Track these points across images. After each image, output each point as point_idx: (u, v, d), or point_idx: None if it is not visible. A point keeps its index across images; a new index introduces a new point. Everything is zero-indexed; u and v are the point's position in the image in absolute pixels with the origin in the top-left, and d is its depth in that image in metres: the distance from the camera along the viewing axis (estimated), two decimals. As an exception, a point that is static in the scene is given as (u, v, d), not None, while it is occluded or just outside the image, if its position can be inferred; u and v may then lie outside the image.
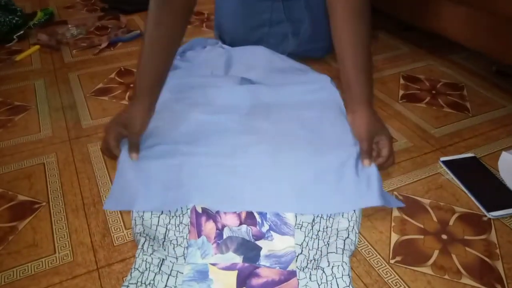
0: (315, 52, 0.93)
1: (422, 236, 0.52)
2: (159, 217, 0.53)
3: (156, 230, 0.51)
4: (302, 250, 0.49)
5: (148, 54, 0.56)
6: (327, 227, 0.52)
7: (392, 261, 0.49)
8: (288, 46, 0.89)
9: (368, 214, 0.55)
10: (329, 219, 0.53)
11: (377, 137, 0.56)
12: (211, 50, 0.89)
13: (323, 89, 0.74)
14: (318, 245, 0.50)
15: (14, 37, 1.08)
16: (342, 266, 0.46)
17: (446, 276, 0.47)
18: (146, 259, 0.46)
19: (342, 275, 0.45)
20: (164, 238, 0.50)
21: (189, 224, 0.52)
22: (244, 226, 0.52)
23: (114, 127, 0.57)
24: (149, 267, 0.46)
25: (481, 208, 0.56)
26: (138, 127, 0.56)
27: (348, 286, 0.44)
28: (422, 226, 0.54)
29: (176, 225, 0.52)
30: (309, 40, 0.90)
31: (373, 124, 0.56)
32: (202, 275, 0.46)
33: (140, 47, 1.05)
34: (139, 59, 0.57)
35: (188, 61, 0.88)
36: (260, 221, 0.53)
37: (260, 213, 0.54)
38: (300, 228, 0.52)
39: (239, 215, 0.54)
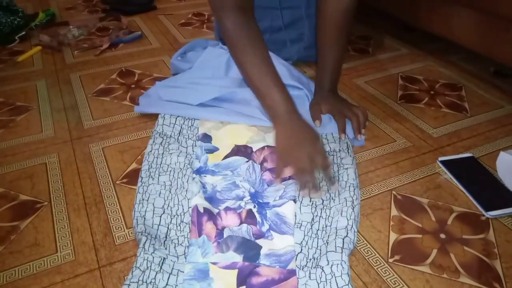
0: (316, 57, 0.94)
1: (420, 235, 0.53)
2: (160, 216, 0.53)
3: (157, 229, 0.51)
4: (301, 249, 0.50)
5: (264, 73, 0.60)
6: (326, 226, 0.52)
7: (390, 260, 0.50)
8: (288, 53, 0.90)
9: (367, 213, 0.56)
10: (328, 218, 0.53)
11: (345, 110, 0.68)
12: (211, 51, 0.90)
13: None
14: (317, 244, 0.50)
15: (16, 38, 1.08)
16: (341, 265, 0.46)
17: (444, 275, 0.48)
18: (147, 258, 0.47)
19: (341, 273, 0.45)
20: (166, 237, 0.51)
21: (190, 223, 0.52)
22: (244, 225, 0.53)
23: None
24: (150, 266, 0.46)
25: (479, 207, 0.57)
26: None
27: (347, 284, 0.45)
28: (420, 225, 0.54)
29: (177, 224, 0.52)
30: (310, 46, 0.91)
31: (338, 101, 0.70)
32: (203, 274, 0.47)
33: (142, 48, 1.06)
34: (258, 86, 0.60)
35: (188, 62, 0.89)
36: (260, 221, 0.53)
37: (260, 213, 0.54)
38: (300, 227, 0.52)
39: (239, 214, 0.54)
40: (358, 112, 0.68)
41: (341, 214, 0.53)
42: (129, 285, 0.44)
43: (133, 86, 0.88)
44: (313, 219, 0.53)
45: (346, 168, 0.60)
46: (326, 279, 0.45)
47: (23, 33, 1.10)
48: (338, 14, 0.66)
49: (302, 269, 0.47)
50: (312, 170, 0.53)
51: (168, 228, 0.52)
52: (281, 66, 0.82)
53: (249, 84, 0.63)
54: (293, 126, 0.57)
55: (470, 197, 0.58)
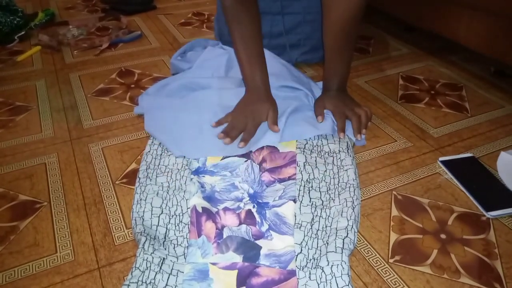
0: (316, 60, 0.94)
1: (421, 236, 0.53)
2: (159, 217, 0.53)
3: (156, 230, 0.51)
4: (301, 249, 0.50)
5: (248, 47, 0.65)
6: (326, 226, 0.52)
7: (391, 261, 0.49)
8: (288, 57, 0.89)
9: (367, 214, 0.56)
10: (328, 218, 0.53)
11: (347, 109, 0.69)
12: (212, 51, 0.90)
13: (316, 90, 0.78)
14: (317, 244, 0.50)
15: (15, 37, 1.08)
16: (342, 265, 0.46)
17: (445, 276, 0.48)
18: (147, 258, 0.47)
19: (342, 274, 0.45)
20: (165, 237, 0.51)
21: (189, 223, 0.52)
22: (243, 226, 0.52)
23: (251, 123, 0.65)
24: (150, 266, 0.46)
25: (479, 207, 0.56)
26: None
27: (348, 285, 0.44)
28: (421, 225, 0.54)
29: (176, 225, 0.52)
30: (309, 50, 0.91)
31: (342, 101, 0.70)
32: (203, 274, 0.47)
33: (141, 47, 1.06)
34: (241, 56, 0.66)
35: (188, 62, 0.89)
36: (259, 221, 0.53)
37: (259, 213, 0.54)
38: (300, 228, 0.52)
39: (238, 214, 0.54)
40: (361, 112, 0.68)
41: (341, 214, 0.53)
42: (128, 285, 0.44)
43: (132, 86, 0.88)
44: (313, 219, 0.53)
45: (346, 170, 0.60)
46: (326, 280, 0.45)
47: (23, 32, 1.10)
48: (344, 22, 0.64)
49: (302, 269, 0.47)
50: (242, 128, 0.65)
51: (166, 228, 0.52)
52: (281, 66, 0.82)
53: (235, 54, 0.69)
54: (255, 96, 0.67)
55: (471, 197, 0.58)
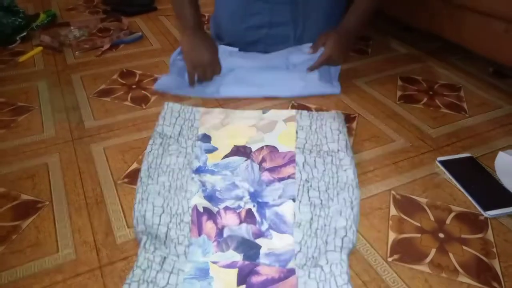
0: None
1: (419, 235, 0.53)
2: (160, 216, 0.53)
3: (157, 229, 0.52)
4: (301, 248, 0.50)
5: None
6: (325, 225, 0.53)
7: (389, 259, 0.50)
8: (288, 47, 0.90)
9: (366, 213, 0.56)
10: (327, 217, 0.54)
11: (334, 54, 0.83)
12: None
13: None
14: (316, 243, 0.50)
15: (17, 38, 1.09)
16: (341, 264, 0.46)
17: (443, 274, 0.48)
18: (148, 257, 0.47)
19: (341, 272, 0.46)
20: (166, 236, 0.51)
21: (190, 222, 0.52)
22: (244, 225, 0.53)
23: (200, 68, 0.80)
24: (151, 265, 0.47)
25: (477, 207, 0.57)
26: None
27: (347, 283, 0.45)
28: (419, 224, 0.55)
29: (177, 224, 0.53)
30: (312, 41, 0.91)
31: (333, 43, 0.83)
32: (203, 273, 0.47)
33: (142, 48, 1.07)
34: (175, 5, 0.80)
35: None
36: (259, 220, 0.54)
37: (259, 212, 0.55)
38: (299, 227, 0.52)
39: (239, 213, 0.55)
40: (331, 60, 0.83)
41: (340, 214, 0.53)
42: (130, 284, 0.45)
43: (134, 86, 0.89)
44: (312, 218, 0.54)
45: (345, 170, 0.60)
46: (325, 278, 0.45)
47: (24, 33, 1.11)
48: None
49: (302, 268, 0.48)
50: (205, 71, 0.80)
51: (168, 227, 0.52)
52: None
53: (173, 8, 0.83)
54: (195, 38, 0.80)
55: (469, 197, 0.59)
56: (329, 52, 0.82)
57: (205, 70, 0.80)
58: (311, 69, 0.83)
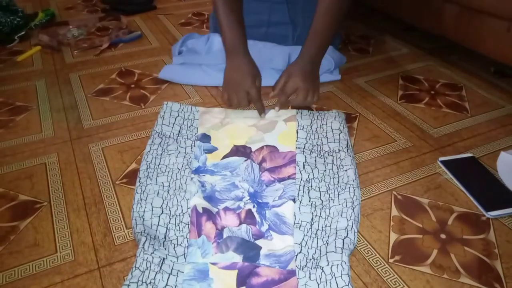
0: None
1: (421, 236, 0.53)
2: (159, 216, 0.53)
3: (156, 230, 0.51)
4: (301, 249, 0.50)
5: (229, 18, 0.72)
6: (326, 226, 0.52)
7: (391, 260, 0.50)
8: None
9: (367, 214, 0.56)
10: (327, 218, 0.53)
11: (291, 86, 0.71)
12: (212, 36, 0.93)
13: None
14: (317, 244, 0.50)
15: (16, 37, 1.08)
16: (341, 265, 0.46)
17: (445, 275, 0.48)
18: (147, 258, 0.47)
19: (341, 274, 0.45)
20: (165, 237, 0.51)
21: (189, 223, 0.52)
22: (244, 226, 0.52)
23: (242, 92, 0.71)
24: (150, 266, 0.46)
25: (479, 207, 0.56)
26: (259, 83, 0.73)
27: (347, 285, 0.44)
28: (421, 225, 0.54)
29: (176, 225, 0.52)
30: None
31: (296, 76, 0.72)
32: (203, 274, 0.47)
33: (141, 47, 1.06)
34: (223, 27, 0.73)
35: (192, 49, 0.93)
36: (259, 221, 0.53)
37: (259, 213, 0.54)
38: (299, 228, 0.52)
39: (238, 214, 0.54)
40: (300, 98, 0.70)
41: (341, 215, 0.53)
42: (128, 285, 0.44)
43: (132, 86, 0.88)
44: (312, 219, 0.53)
45: (346, 170, 0.60)
46: (326, 280, 0.45)
47: (23, 33, 1.10)
48: (330, 9, 0.69)
49: (302, 269, 0.47)
50: (243, 102, 0.71)
51: (167, 228, 0.52)
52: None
53: (218, 22, 0.75)
54: (239, 62, 0.72)
55: (471, 197, 0.58)
56: (302, 94, 0.70)
57: (239, 96, 0.71)
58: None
